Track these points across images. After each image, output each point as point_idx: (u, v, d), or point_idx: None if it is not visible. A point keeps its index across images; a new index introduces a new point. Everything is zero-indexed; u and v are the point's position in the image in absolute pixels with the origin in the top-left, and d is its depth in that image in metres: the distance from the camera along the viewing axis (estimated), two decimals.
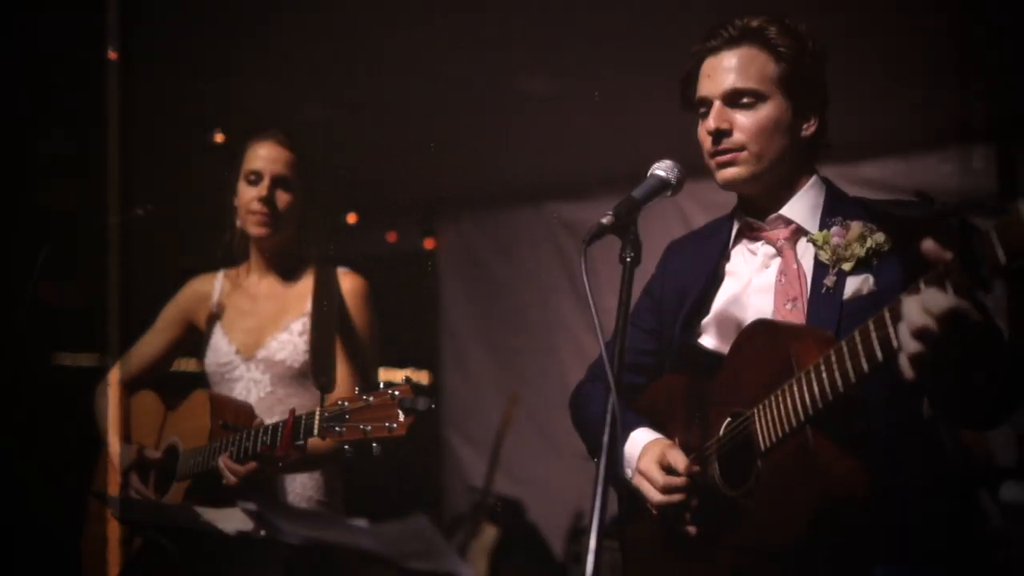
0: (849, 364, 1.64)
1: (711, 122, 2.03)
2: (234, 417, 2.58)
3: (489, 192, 5.44)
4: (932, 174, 4.37)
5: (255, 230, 2.76)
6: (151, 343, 2.93)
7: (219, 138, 3.02)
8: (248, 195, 2.74)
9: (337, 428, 2.17)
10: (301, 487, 2.75)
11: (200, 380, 2.88)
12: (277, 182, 2.74)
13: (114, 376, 2.95)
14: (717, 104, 2.03)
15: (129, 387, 2.92)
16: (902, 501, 1.83)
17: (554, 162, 4.97)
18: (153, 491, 2.69)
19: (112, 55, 3.68)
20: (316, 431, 2.22)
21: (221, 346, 2.81)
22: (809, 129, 2.05)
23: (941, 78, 3.85)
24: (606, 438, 1.64)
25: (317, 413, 2.23)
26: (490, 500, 4.99)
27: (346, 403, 2.18)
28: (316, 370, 2.59)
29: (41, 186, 3.54)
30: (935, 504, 1.88)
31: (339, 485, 2.84)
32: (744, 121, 2.01)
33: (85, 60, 3.39)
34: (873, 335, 1.59)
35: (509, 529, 4.93)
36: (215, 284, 2.91)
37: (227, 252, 2.86)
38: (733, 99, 2.03)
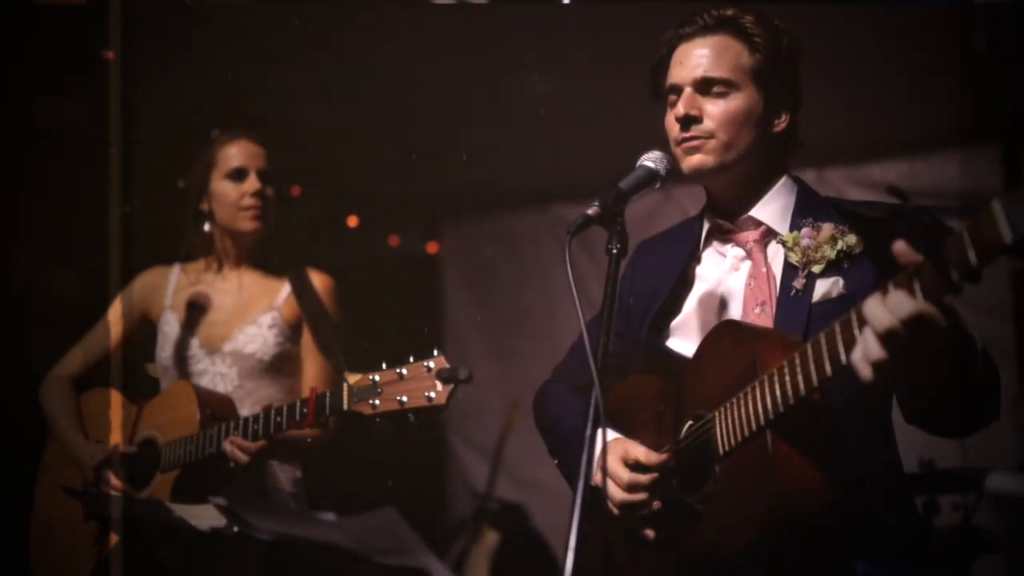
0: (813, 367, 1.60)
1: (680, 108, 2.00)
2: (218, 407, 2.60)
3: (493, 195, 5.41)
4: (938, 175, 4.32)
5: (249, 224, 2.77)
6: (100, 339, 2.88)
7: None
8: (235, 192, 2.75)
9: (371, 401, 2.25)
10: (290, 486, 2.74)
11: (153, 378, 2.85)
12: (263, 176, 2.77)
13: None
14: (688, 91, 2.00)
15: (79, 383, 2.87)
16: (876, 502, 1.80)
17: (558, 164, 4.94)
18: (129, 486, 2.65)
19: (110, 55, 3.68)
20: (345, 404, 2.29)
21: (180, 340, 2.79)
22: (780, 125, 2.02)
23: (946, 78, 3.81)
24: (588, 432, 1.63)
25: (345, 387, 2.29)
26: (492, 505, 4.95)
27: (377, 377, 2.26)
28: (328, 354, 2.62)
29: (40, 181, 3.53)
30: (907, 504, 1.87)
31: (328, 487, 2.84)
32: (714, 109, 1.98)
33: (86, 59, 3.39)
34: (839, 337, 1.55)
35: (511, 534, 4.88)
36: (170, 278, 2.89)
37: (191, 251, 2.87)
38: (704, 87, 1.99)
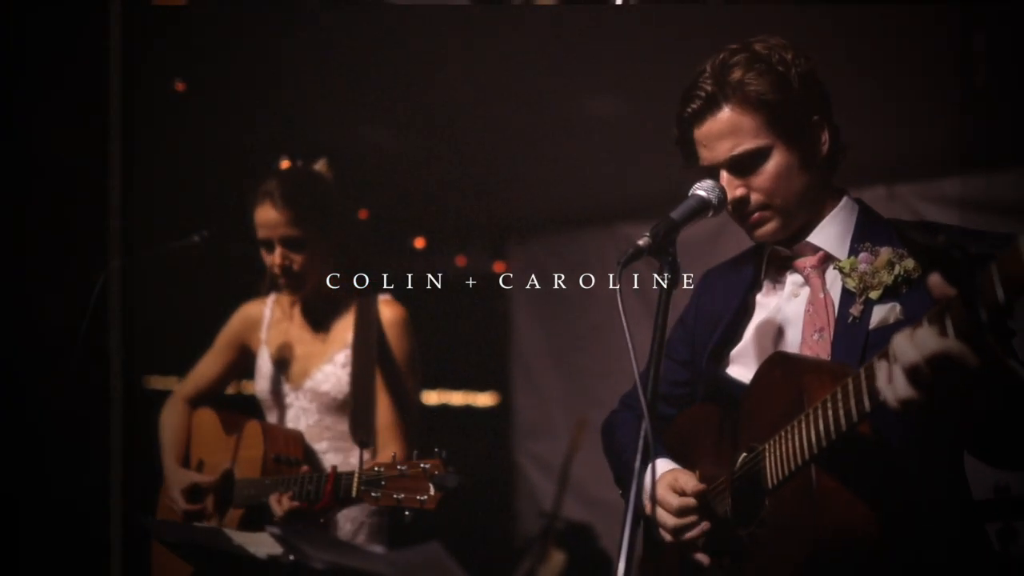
0: (853, 401, 1.58)
1: (730, 193, 1.95)
2: (285, 448, 2.68)
3: (558, 214, 5.42)
4: (1015, 190, 4.19)
5: (286, 290, 2.84)
6: (208, 366, 3.03)
7: (284, 165, 3.03)
8: (268, 259, 2.79)
9: (373, 493, 2.26)
10: (352, 523, 2.79)
11: (255, 404, 2.96)
12: (287, 244, 2.75)
13: (178, 395, 3.05)
14: (725, 175, 1.95)
15: (194, 404, 3.02)
16: (935, 535, 1.77)
17: (624, 183, 4.93)
18: (214, 513, 2.77)
19: (180, 87, 3.79)
20: (354, 492, 2.32)
21: (272, 374, 2.88)
22: (824, 148, 1.97)
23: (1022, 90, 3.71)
24: (637, 464, 1.62)
25: (356, 475, 2.32)
26: (559, 524, 4.94)
27: (382, 469, 2.26)
28: (355, 425, 2.64)
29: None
30: (956, 541, 1.82)
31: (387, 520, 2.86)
32: (758, 181, 1.94)
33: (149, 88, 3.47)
34: (877, 371, 1.52)
35: (578, 554, 4.86)
36: (265, 310, 2.98)
37: (271, 283, 2.92)
38: (738, 165, 1.94)
